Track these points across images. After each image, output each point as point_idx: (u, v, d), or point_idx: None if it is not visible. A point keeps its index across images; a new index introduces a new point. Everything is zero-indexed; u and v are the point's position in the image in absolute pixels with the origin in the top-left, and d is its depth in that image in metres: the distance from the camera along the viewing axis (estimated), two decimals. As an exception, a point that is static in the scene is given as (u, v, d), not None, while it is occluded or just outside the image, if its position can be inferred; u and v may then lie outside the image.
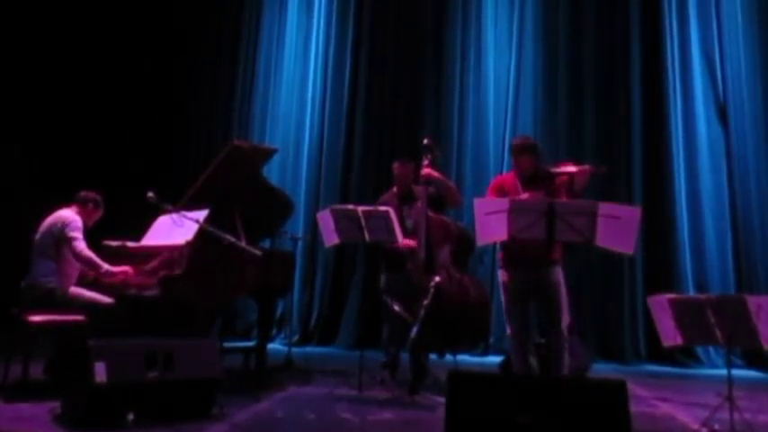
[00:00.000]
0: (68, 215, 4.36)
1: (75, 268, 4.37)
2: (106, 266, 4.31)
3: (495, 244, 6.35)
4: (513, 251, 3.97)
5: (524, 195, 3.96)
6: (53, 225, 4.33)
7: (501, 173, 7.03)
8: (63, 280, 4.27)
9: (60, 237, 4.27)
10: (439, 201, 4.70)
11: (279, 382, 4.66)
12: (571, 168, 3.93)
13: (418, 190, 4.70)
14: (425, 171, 4.55)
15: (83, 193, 4.53)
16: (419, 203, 4.62)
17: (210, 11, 8.03)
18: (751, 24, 6.89)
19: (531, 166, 4.04)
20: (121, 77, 7.59)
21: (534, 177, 4.03)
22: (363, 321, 6.89)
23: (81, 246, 4.27)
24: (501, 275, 4.08)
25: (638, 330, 6.64)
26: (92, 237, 4.56)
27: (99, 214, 4.58)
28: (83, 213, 4.45)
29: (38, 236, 4.36)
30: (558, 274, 3.97)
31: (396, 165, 4.96)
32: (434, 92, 7.41)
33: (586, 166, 3.94)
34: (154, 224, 4.77)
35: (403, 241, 4.46)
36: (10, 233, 5.55)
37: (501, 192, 4.04)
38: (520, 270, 3.95)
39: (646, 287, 6.54)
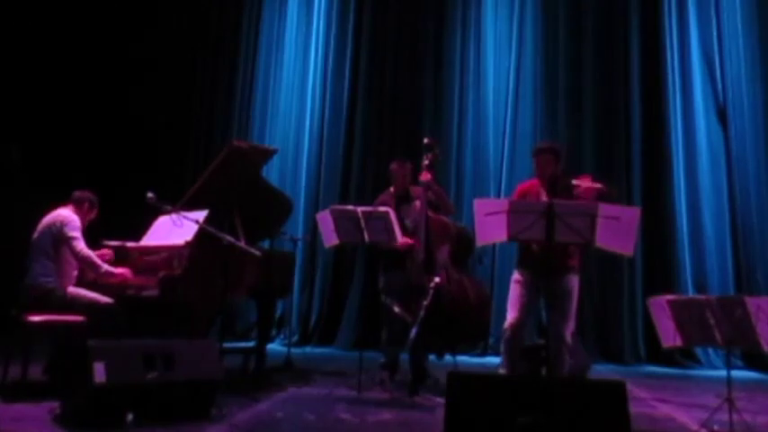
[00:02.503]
0: (66, 215, 4.35)
1: (73, 268, 4.36)
2: (106, 267, 4.31)
3: (495, 245, 6.44)
4: (530, 254, 3.98)
5: (544, 199, 3.95)
6: (51, 225, 4.31)
7: (500, 175, 7.07)
8: (62, 280, 4.26)
9: (59, 236, 4.26)
10: (436, 205, 4.71)
11: (278, 383, 4.65)
12: (582, 183, 3.88)
13: (415, 190, 4.70)
14: (425, 176, 4.55)
15: (78, 193, 4.51)
16: (417, 203, 4.62)
17: (210, 11, 8.03)
18: (750, 25, 6.90)
19: (549, 167, 4.03)
20: (121, 77, 7.59)
21: (555, 184, 4.01)
22: (363, 322, 6.89)
23: (81, 245, 4.27)
24: (515, 274, 4.12)
25: (637, 331, 6.65)
26: (91, 237, 4.56)
27: (94, 214, 4.56)
28: (79, 213, 4.42)
29: (36, 236, 4.34)
30: (573, 281, 3.98)
31: (393, 165, 4.96)
32: (434, 92, 7.42)
33: (594, 186, 3.87)
34: (153, 224, 4.77)
35: (401, 240, 4.47)
36: (9, 234, 5.55)
37: (523, 198, 4.07)
38: (534, 273, 3.97)
39: (645, 288, 6.56)
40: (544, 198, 3.99)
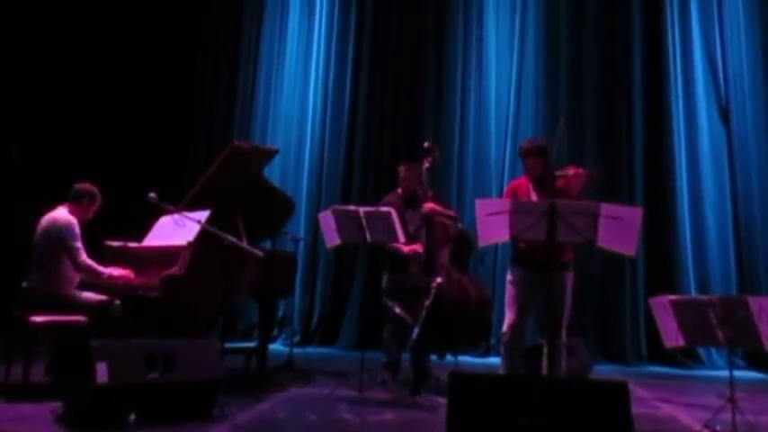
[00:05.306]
0: (64, 220, 4.25)
1: (73, 270, 4.31)
2: (107, 272, 4.28)
3: (496, 244, 6.43)
4: (523, 251, 3.98)
5: (534, 198, 3.96)
6: (48, 229, 4.25)
7: (502, 175, 7.07)
8: (63, 283, 4.24)
9: (57, 243, 4.20)
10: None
11: (280, 383, 4.65)
12: (570, 172, 3.92)
13: (424, 205, 4.69)
14: (428, 206, 4.54)
15: (77, 187, 4.41)
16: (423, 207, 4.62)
17: (211, 12, 8.03)
18: (753, 24, 6.90)
19: (539, 168, 4.03)
20: (122, 78, 7.59)
21: (543, 180, 4.03)
22: (364, 322, 6.88)
23: (82, 256, 4.22)
24: (509, 273, 4.10)
25: (639, 331, 6.64)
26: (93, 237, 4.54)
27: (97, 206, 4.46)
28: (78, 211, 4.36)
29: (36, 238, 4.30)
30: (567, 277, 3.97)
31: (402, 168, 4.96)
32: (436, 93, 7.40)
33: (581, 171, 3.93)
34: (156, 225, 4.76)
35: (409, 247, 4.52)
36: (9, 234, 5.55)
37: (514, 196, 4.06)
38: (528, 270, 3.96)
39: (647, 288, 6.55)
40: (534, 197, 3.99)
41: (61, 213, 4.33)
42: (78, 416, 3.32)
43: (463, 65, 7.40)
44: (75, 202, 4.39)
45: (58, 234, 4.23)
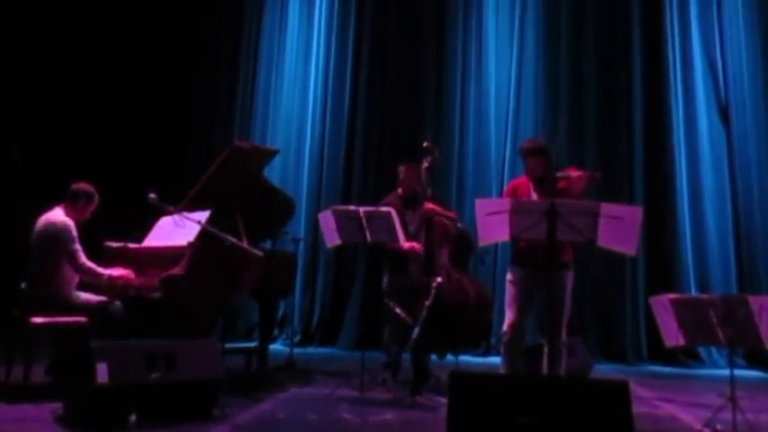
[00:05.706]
0: (60, 223, 4.22)
1: (72, 272, 4.30)
2: (107, 273, 4.26)
3: (497, 244, 6.43)
4: (523, 251, 3.98)
5: (534, 197, 3.96)
6: (46, 231, 4.23)
7: (502, 175, 7.07)
8: (62, 285, 4.22)
9: (56, 246, 4.18)
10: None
11: (280, 383, 4.65)
12: (572, 173, 3.92)
13: (424, 205, 4.68)
14: (427, 206, 4.54)
15: (74, 188, 4.37)
16: (423, 208, 4.62)
17: (211, 12, 8.03)
18: (752, 25, 6.91)
19: (541, 168, 4.03)
20: (122, 77, 7.58)
21: (544, 180, 4.03)
22: (365, 322, 6.88)
23: (81, 258, 4.20)
24: (509, 273, 4.10)
25: (639, 330, 6.65)
26: (93, 237, 4.53)
27: (94, 206, 4.43)
28: (75, 211, 4.32)
29: (33, 240, 4.27)
30: (567, 277, 3.96)
31: (402, 168, 4.95)
32: (436, 92, 7.41)
33: (583, 173, 3.93)
34: (156, 225, 4.76)
35: (408, 244, 4.50)
36: (9, 234, 5.54)
37: (514, 195, 4.06)
38: (528, 270, 3.95)
39: (647, 287, 6.56)
40: (534, 197, 3.98)
41: (57, 215, 4.29)
42: (78, 416, 3.32)
43: (463, 64, 7.40)
44: (71, 202, 4.36)
45: (56, 237, 4.20)
